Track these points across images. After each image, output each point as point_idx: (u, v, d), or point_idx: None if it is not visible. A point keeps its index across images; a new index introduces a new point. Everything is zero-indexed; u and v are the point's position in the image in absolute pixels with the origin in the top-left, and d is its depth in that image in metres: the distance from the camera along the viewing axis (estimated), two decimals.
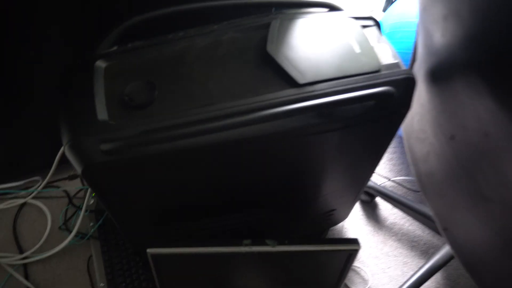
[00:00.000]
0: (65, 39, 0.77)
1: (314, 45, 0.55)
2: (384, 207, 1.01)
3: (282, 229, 0.85)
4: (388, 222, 0.98)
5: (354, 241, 0.65)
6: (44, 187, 0.95)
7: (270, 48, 0.54)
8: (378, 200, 1.02)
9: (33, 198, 0.95)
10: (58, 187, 0.98)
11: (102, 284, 0.84)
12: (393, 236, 0.96)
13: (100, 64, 0.54)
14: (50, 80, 0.80)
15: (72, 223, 0.93)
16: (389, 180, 1.05)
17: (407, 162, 1.07)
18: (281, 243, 0.64)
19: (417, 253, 0.94)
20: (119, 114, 0.50)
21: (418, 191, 1.02)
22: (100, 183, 0.52)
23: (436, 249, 0.94)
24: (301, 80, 0.51)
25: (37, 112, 0.87)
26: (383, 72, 0.54)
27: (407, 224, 0.98)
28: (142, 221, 0.65)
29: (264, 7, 0.62)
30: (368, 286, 0.89)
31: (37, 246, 0.89)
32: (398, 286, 0.87)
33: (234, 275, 0.72)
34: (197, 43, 0.56)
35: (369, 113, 0.53)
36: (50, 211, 0.94)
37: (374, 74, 0.53)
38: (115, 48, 0.57)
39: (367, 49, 0.55)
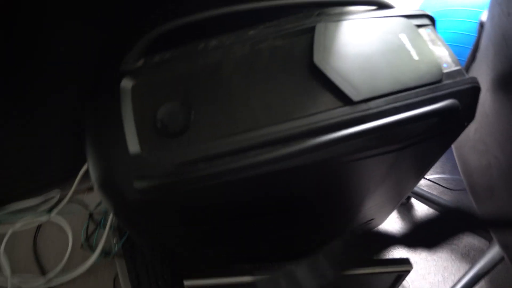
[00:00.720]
0: (88, 48, 0.70)
1: (366, 52, 0.49)
2: (420, 208, 0.95)
3: (314, 243, 0.80)
4: (427, 224, 0.93)
5: (406, 262, 0.60)
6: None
7: (317, 59, 0.47)
8: (414, 200, 0.96)
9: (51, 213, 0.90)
10: (77, 201, 0.93)
11: None
12: (431, 238, 0.91)
13: (127, 83, 0.48)
14: (65, 90, 0.74)
15: (94, 240, 0.88)
16: (424, 178, 0.99)
17: (443, 159, 1.01)
18: None
19: (457, 256, 0.89)
20: (152, 144, 0.44)
21: (455, 190, 0.97)
22: (133, 222, 0.46)
23: (478, 251, 0.89)
24: (356, 97, 0.45)
25: (52, 124, 0.81)
26: (445, 82, 0.47)
27: (445, 225, 0.93)
28: (175, 249, 0.60)
29: (306, 7, 0.55)
30: None
31: (60, 266, 0.85)
32: None
33: None
34: (233, 53, 0.50)
35: (432, 130, 0.47)
36: (70, 227, 0.90)
37: (435, 85, 0.47)
38: (141, 62, 0.50)
39: (427, 55, 0.49)
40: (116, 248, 0.84)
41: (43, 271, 0.85)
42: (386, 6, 0.55)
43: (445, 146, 0.57)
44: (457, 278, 0.85)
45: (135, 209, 0.43)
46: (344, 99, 0.45)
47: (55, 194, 0.92)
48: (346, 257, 0.61)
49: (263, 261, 0.71)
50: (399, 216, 0.94)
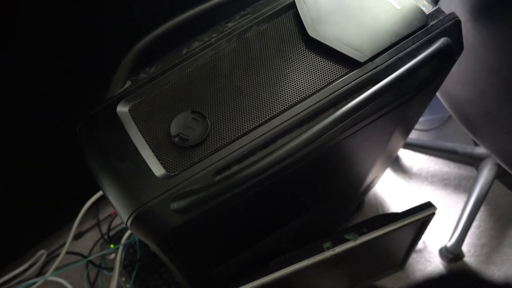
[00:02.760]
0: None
1: (353, 13, 0.48)
2: (406, 156, 0.99)
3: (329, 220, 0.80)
4: (415, 169, 0.97)
5: (429, 205, 0.62)
6: (52, 258, 0.82)
7: (311, 32, 0.46)
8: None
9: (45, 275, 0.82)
10: (70, 252, 0.85)
11: None
12: (424, 181, 0.95)
13: (122, 108, 0.44)
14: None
15: (99, 286, 0.82)
16: None
17: None
18: (361, 233, 0.59)
19: (451, 189, 0.94)
20: (176, 161, 0.41)
21: (430, 129, 1.01)
22: (175, 246, 0.43)
23: (467, 179, 0.94)
24: (362, 58, 0.45)
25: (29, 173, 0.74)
26: (431, 24, 0.48)
27: (432, 165, 0.97)
28: (208, 265, 0.57)
29: None
30: (422, 240, 0.87)
31: None
32: (447, 227, 0.86)
33: (313, 282, 0.66)
34: (222, 50, 0.48)
35: (436, 71, 0.48)
36: (69, 282, 0.82)
37: (424, 28, 0.48)
38: (129, 84, 0.47)
39: (406, 2, 0.49)
40: (129, 286, 0.79)
41: None
42: None
43: (437, 87, 0.59)
44: (458, 209, 0.89)
45: (178, 232, 0.40)
46: (351, 63, 0.45)
47: (42, 253, 0.84)
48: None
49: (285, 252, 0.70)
50: (389, 168, 0.97)
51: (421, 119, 1.03)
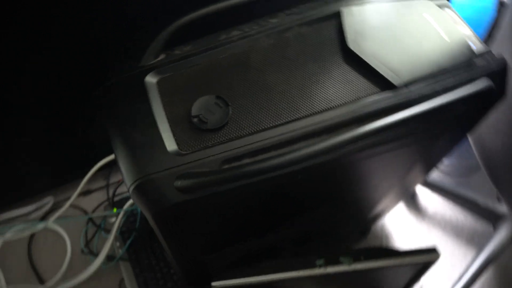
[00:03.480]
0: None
1: (397, 35, 0.48)
2: (424, 195, 0.96)
3: (327, 233, 0.79)
4: (430, 211, 0.94)
5: (433, 251, 0.60)
6: (58, 207, 0.84)
7: (351, 44, 0.46)
8: (417, 187, 0.97)
9: (47, 220, 0.85)
10: (72, 206, 0.88)
11: None
12: (436, 225, 0.92)
13: (151, 79, 0.45)
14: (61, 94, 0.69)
15: (94, 244, 0.84)
16: None
17: None
18: (356, 259, 0.58)
19: (463, 240, 0.90)
20: (190, 141, 0.41)
21: (455, 176, 0.98)
22: (171, 225, 0.43)
23: (481, 236, 0.91)
24: (397, 82, 0.44)
25: (43, 128, 0.76)
26: (477, 62, 0.47)
27: (449, 211, 0.94)
28: (200, 252, 0.57)
29: None
30: (420, 285, 0.84)
31: (59, 274, 0.79)
32: (449, 279, 0.83)
33: None
34: (260, 43, 0.48)
35: (470, 111, 0.46)
36: (67, 233, 0.84)
37: (469, 65, 0.46)
38: (162, 57, 0.47)
39: (456, 35, 0.48)
40: (121, 253, 0.80)
41: (41, 280, 0.80)
42: None
43: (470, 128, 0.57)
44: (464, 263, 0.86)
45: (176, 210, 0.40)
46: (385, 84, 0.44)
47: (48, 201, 0.86)
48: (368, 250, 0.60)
49: (284, 257, 0.69)
50: (404, 204, 0.94)
51: (447, 161, 1.00)
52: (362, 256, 0.58)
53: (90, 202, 0.89)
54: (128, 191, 0.40)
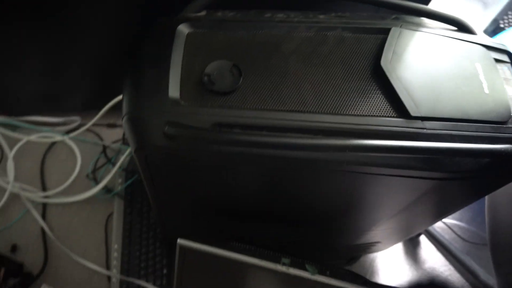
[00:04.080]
0: None
1: (436, 70, 0.46)
2: (426, 247, 0.92)
3: (310, 247, 0.77)
4: (426, 265, 0.90)
5: None
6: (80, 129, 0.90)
7: (384, 62, 0.45)
8: (422, 238, 0.93)
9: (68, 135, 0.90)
10: (94, 132, 0.93)
11: (116, 246, 0.79)
12: (429, 280, 0.88)
13: (183, 29, 0.46)
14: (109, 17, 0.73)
15: (100, 174, 0.88)
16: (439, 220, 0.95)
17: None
18: (322, 272, 0.57)
19: None
20: (193, 95, 0.42)
21: (468, 241, 0.93)
22: (150, 166, 0.45)
23: None
24: (413, 112, 0.42)
25: (88, 50, 0.80)
26: (510, 125, 0.44)
27: (446, 274, 0.90)
28: (181, 211, 0.58)
29: (385, 7, 0.52)
30: None
31: (61, 188, 0.85)
32: None
33: (257, 287, 0.65)
34: (298, 32, 0.48)
35: (483, 171, 0.43)
36: (81, 155, 0.89)
37: (500, 125, 0.44)
38: (203, 13, 0.49)
39: (498, 92, 0.45)
40: (120, 189, 0.84)
41: (44, 187, 0.86)
42: (468, 31, 0.52)
43: (485, 192, 0.54)
44: None
45: (157, 153, 0.41)
46: (401, 110, 0.43)
47: (75, 119, 0.92)
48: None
49: (258, 245, 0.69)
50: (403, 248, 0.91)
51: (465, 225, 0.95)
52: (328, 272, 0.57)
53: (111, 135, 0.94)
54: (122, 119, 0.42)
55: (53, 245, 0.79)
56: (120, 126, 0.95)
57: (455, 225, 0.95)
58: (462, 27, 0.52)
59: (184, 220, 0.64)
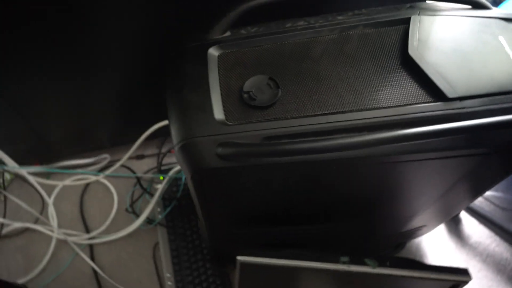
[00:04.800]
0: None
1: (463, 50, 0.47)
2: (469, 223, 0.92)
3: (354, 242, 0.78)
4: (472, 240, 0.90)
5: (464, 272, 0.58)
6: (112, 165, 0.92)
7: (412, 51, 0.46)
8: (463, 214, 0.93)
9: (101, 174, 0.92)
10: (126, 167, 0.94)
11: (168, 275, 0.80)
12: (477, 256, 0.88)
13: (213, 52, 0.48)
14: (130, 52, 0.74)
15: (138, 206, 0.90)
16: None
17: None
18: (382, 264, 0.58)
19: (503, 278, 0.86)
20: (237, 113, 0.44)
21: (508, 210, 0.93)
22: (206, 188, 0.46)
23: None
24: (451, 94, 0.43)
25: (110, 86, 0.82)
26: None
27: (493, 245, 0.90)
28: (231, 227, 0.59)
29: None
30: None
31: (104, 226, 0.86)
32: None
33: None
34: (322, 36, 0.49)
35: None
36: (116, 191, 0.91)
37: None
38: (228, 33, 0.50)
39: None
40: (160, 217, 0.85)
41: (86, 228, 0.87)
42: (482, 7, 0.53)
43: None
44: None
45: (213, 174, 0.43)
46: (438, 94, 0.44)
47: (105, 157, 0.94)
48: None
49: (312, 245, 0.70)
50: (446, 228, 0.91)
51: (502, 195, 0.95)
52: (388, 262, 0.58)
53: (141, 166, 0.96)
54: (175, 148, 0.44)
55: (107, 283, 0.80)
56: (149, 156, 0.97)
57: (492, 196, 0.95)
58: (476, 4, 0.53)
59: (233, 236, 0.66)
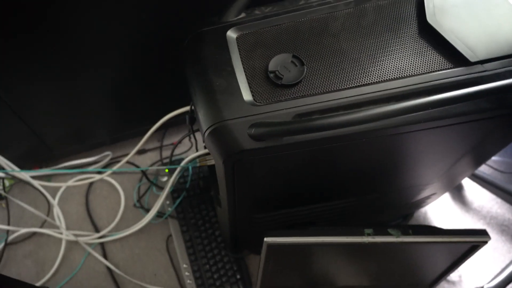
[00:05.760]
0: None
1: (479, 13, 0.48)
2: (471, 188, 0.95)
3: (372, 214, 0.80)
4: (475, 205, 0.93)
5: (483, 233, 0.60)
6: (115, 162, 0.90)
7: (430, 19, 0.46)
8: (465, 180, 0.96)
9: (105, 171, 0.90)
10: (129, 162, 0.93)
11: (185, 265, 0.80)
12: (481, 219, 0.91)
13: (232, 34, 0.47)
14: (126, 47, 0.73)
15: (145, 200, 0.89)
16: None
17: None
18: (405, 233, 0.59)
19: (507, 238, 0.89)
20: (265, 94, 0.44)
21: (507, 172, 0.96)
22: (237, 172, 0.46)
23: None
24: (472, 58, 0.44)
25: (108, 84, 0.80)
26: None
27: (496, 207, 0.93)
28: (255, 209, 0.59)
29: None
30: (458, 273, 0.84)
31: (113, 224, 0.85)
32: (489, 273, 0.82)
33: (340, 264, 0.67)
34: (338, 11, 0.49)
35: None
36: (122, 187, 0.90)
37: None
38: (243, 15, 0.50)
39: None
40: (171, 210, 0.84)
41: (95, 227, 0.86)
42: None
43: None
44: (507, 259, 0.85)
45: (246, 156, 0.43)
46: (460, 59, 0.44)
47: (107, 154, 0.92)
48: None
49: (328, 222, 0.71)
50: (449, 195, 0.94)
51: (500, 158, 0.98)
52: (410, 230, 0.59)
53: (144, 161, 0.94)
54: (203, 135, 0.43)
55: (123, 280, 0.80)
56: (150, 150, 0.95)
57: (491, 160, 0.98)
58: None
59: (254, 221, 0.66)
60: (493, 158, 0.98)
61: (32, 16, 0.58)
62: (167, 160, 0.93)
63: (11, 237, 0.83)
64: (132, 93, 0.83)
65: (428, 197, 0.77)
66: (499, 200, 0.93)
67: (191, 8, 0.66)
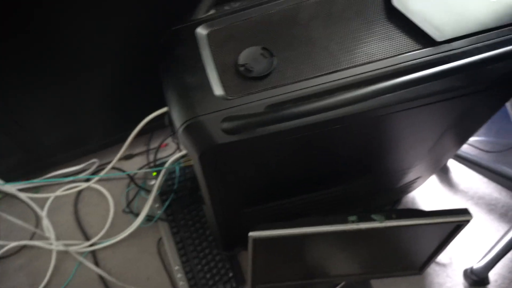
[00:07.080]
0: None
1: None
2: (458, 171, 0.96)
3: (360, 203, 0.80)
4: (462, 186, 0.94)
5: (465, 212, 0.61)
6: (102, 169, 0.90)
7: (396, 2, 0.47)
8: (451, 163, 0.97)
9: (92, 179, 0.90)
10: (116, 168, 0.93)
11: (177, 267, 0.80)
12: (469, 200, 0.92)
13: (201, 31, 0.48)
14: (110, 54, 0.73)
15: (135, 205, 0.89)
16: None
17: None
18: (388, 217, 0.59)
19: (495, 216, 0.90)
20: (236, 87, 0.44)
21: (492, 152, 0.97)
22: (214, 167, 0.46)
23: None
24: (439, 38, 0.45)
25: (93, 94, 0.80)
26: None
27: (483, 187, 0.94)
28: (238, 204, 0.60)
29: None
30: (449, 256, 0.85)
31: (103, 231, 0.85)
32: (479, 252, 0.83)
33: (329, 253, 0.68)
34: (306, 0, 0.49)
35: (508, 73, 0.46)
36: (110, 194, 0.89)
37: None
38: (212, 12, 0.50)
39: None
40: (160, 213, 0.84)
41: (86, 235, 0.86)
42: None
43: (507, 96, 0.57)
44: (496, 238, 0.86)
45: (221, 151, 0.43)
46: (427, 40, 0.45)
47: (94, 161, 0.92)
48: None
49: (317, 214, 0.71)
50: (436, 177, 0.95)
51: (484, 139, 0.99)
52: (394, 215, 0.60)
53: (131, 166, 0.94)
54: (177, 132, 0.43)
55: (116, 286, 0.79)
56: (137, 154, 0.95)
57: (475, 141, 0.99)
58: None
59: (240, 217, 0.66)
60: (478, 138, 0.99)
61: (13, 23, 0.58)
62: (159, 162, 0.93)
63: (1, 251, 0.82)
64: (117, 97, 0.83)
65: (414, 181, 0.78)
66: (485, 180, 0.94)
67: (170, 10, 0.66)
